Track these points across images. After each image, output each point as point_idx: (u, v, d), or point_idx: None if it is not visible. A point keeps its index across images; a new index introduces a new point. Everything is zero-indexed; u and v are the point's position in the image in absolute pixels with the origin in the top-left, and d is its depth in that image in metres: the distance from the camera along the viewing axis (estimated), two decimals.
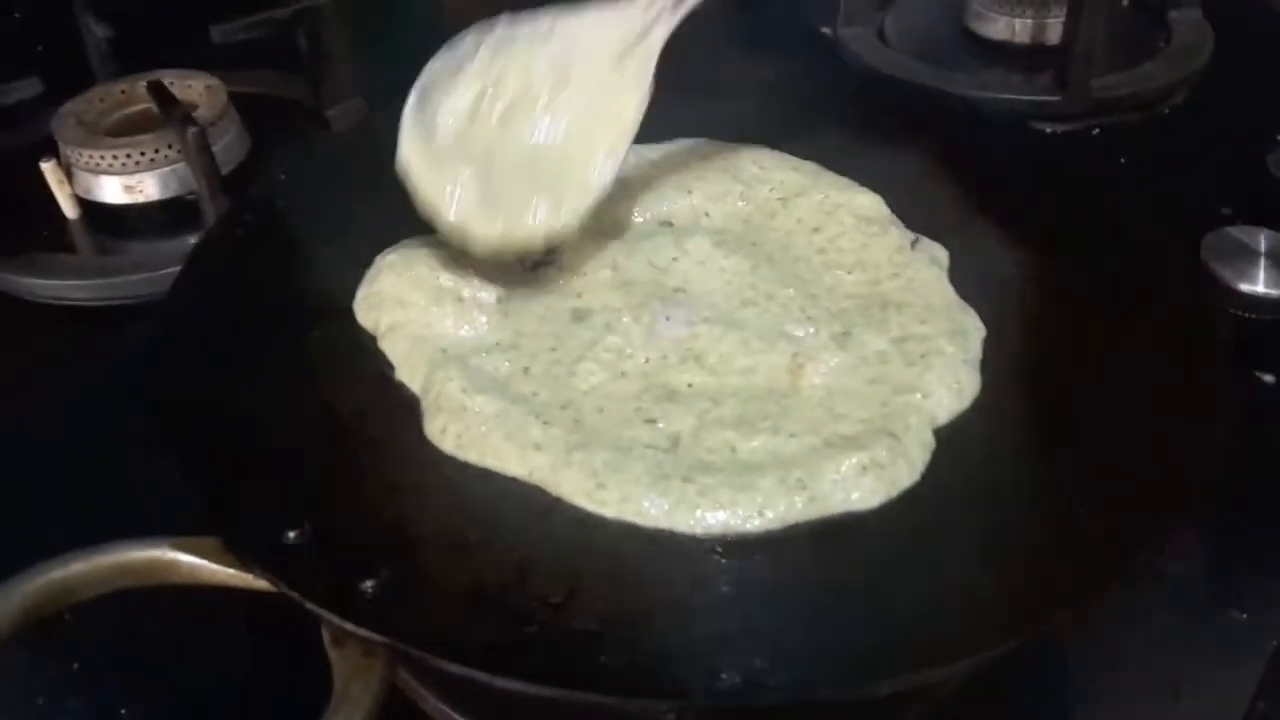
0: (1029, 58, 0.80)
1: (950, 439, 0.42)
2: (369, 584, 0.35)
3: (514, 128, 0.47)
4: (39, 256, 0.67)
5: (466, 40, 0.48)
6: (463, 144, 0.47)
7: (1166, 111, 0.78)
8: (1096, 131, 0.76)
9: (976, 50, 0.84)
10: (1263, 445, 0.56)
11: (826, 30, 0.85)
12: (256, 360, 0.45)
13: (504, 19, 0.48)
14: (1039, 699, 0.45)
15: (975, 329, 0.46)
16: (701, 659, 0.34)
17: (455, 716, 0.43)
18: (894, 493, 0.40)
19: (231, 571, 0.36)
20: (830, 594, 0.36)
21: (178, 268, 0.65)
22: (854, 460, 0.40)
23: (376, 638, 0.33)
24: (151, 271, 0.66)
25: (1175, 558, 0.50)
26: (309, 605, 0.34)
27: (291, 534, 0.37)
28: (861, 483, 0.39)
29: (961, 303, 0.48)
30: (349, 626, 0.34)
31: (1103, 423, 0.42)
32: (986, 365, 0.45)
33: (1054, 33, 0.79)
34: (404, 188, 0.47)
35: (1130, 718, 0.44)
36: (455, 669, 0.33)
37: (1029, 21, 0.81)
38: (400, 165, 0.47)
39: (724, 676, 0.33)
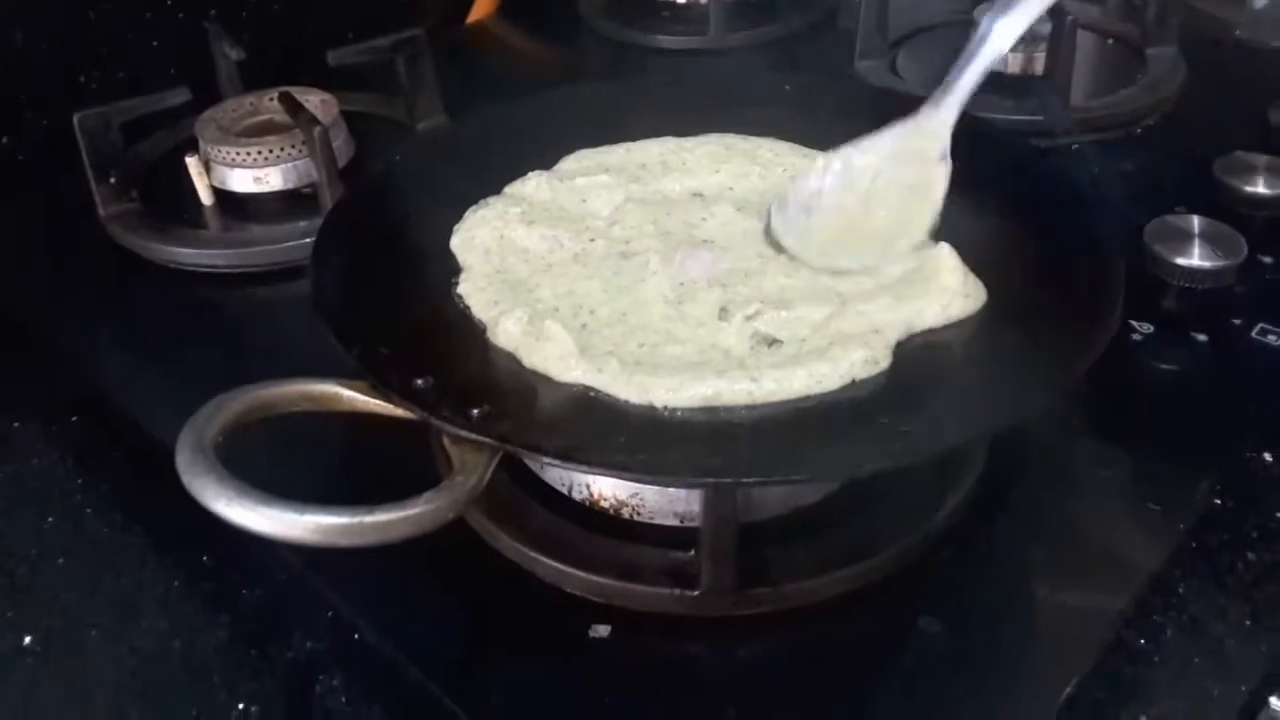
0: (1019, 85, 0.97)
1: (922, 344, 0.58)
2: (475, 411, 0.52)
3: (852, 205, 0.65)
4: (181, 231, 0.86)
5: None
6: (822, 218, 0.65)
7: (1139, 131, 0.95)
8: (1076, 146, 0.93)
9: None
10: (1195, 391, 0.71)
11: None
12: (386, 279, 0.63)
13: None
14: (987, 562, 0.60)
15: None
16: (732, 467, 0.50)
17: (526, 551, 0.59)
18: (874, 371, 0.55)
19: (378, 403, 0.53)
20: (817, 433, 0.52)
21: (290, 243, 0.85)
22: (846, 349, 0.56)
23: (486, 440, 0.50)
24: (270, 245, 0.85)
25: (1105, 467, 0.66)
26: (435, 421, 0.51)
27: (419, 381, 0.53)
28: (853, 367, 0.55)
29: (930, 243, 0.64)
30: (464, 433, 0.50)
31: (1041, 326, 0.57)
32: None
33: (1039, 65, 0.97)
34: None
35: (1068, 584, 0.59)
36: (545, 460, 0.49)
37: (1019, 55, 0.99)
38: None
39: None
